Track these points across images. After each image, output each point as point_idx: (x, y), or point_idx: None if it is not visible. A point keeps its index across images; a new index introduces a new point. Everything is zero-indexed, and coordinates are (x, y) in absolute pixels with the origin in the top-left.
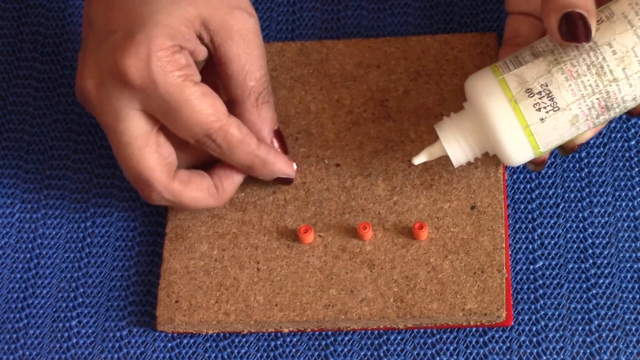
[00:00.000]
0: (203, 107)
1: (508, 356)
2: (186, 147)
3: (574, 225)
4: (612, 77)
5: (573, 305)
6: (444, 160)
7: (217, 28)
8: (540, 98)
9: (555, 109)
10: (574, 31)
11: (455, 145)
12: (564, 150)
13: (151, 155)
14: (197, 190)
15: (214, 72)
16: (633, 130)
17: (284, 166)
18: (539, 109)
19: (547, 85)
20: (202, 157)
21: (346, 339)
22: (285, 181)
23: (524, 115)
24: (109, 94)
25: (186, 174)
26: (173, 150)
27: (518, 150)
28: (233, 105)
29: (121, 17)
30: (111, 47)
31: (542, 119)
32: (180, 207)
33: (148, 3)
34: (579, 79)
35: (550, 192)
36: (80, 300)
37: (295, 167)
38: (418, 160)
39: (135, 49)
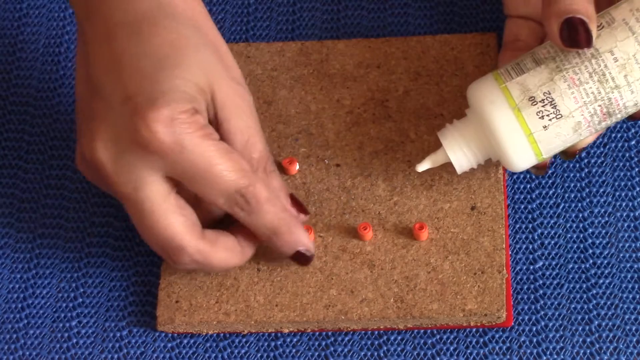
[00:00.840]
0: (230, 163)
1: (508, 356)
2: (198, 207)
3: (574, 225)
4: (614, 84)
5: (573, 305)
6: None
7: (222, 104)
8: (543, 106)
9: (558, 117)
10: (575, 37)
11: (459, 152)
12: (566, 155)
13: (178, 219)
14: (225, 250)
15: None
16: (633, 130)
17: (306, 237)
18: (542, 117)
19: (549, 93)
20: (213, 217)
21: (346, 339)
22: (304, 259)
23: (528, 124)
24: (128, 163)
25: (213, 234)
26: (193, 211)
27: (521, 157)
28: None
29: (135, 84)
30: (130, 114)
31: (545, 127)
32: (207, 268)
33: (162, 68)
34: (582, 87)
35: (550, 192)
36: (80, 300)
37: (313, 237)
38: (421, 167)
39: (158, 113)
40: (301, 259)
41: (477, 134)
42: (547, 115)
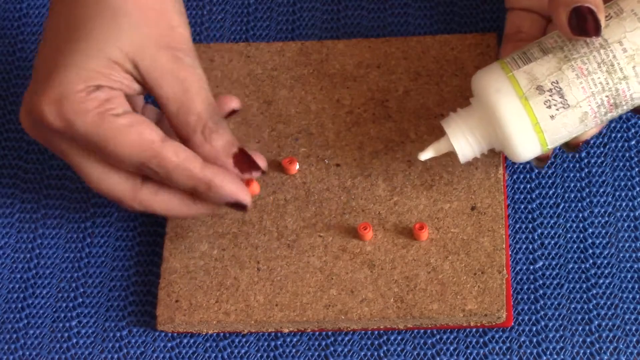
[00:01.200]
0: (129, 137)
1: (508, 356)
2: None
3: (574, 225)
4: (622, 75)
5: (573, 305)
6: (445, 160)
7: (146, 71)
8: (550, 95)
9: (565, 107)
10: (584, 25)
11: (462, 140)
12: (568, 147)
13: (108, 178)
14: (169, 200)
15: None
16: (633, 130)
17: (233, 189)
18: (550, 106)
19: (557, 83)
20: None
21: (346, 339)
22: (238, 207)
23: (535, 113)
24: (42, 133)
25: (154, 185)
26: None
27: (527, 147)
28: (185, 144)
29: (48, 56)
30: (31, 91)
31: (552, 116)
32: (156, 214)
33: (73, 41)
34: (590, 77)
35: (550, 192)
36: (80, 300)
37: (258, 189)
38: (424, 155)
39: (48, 93)
40: (233, 208)
41: (482, 123)
42: (555, 105)
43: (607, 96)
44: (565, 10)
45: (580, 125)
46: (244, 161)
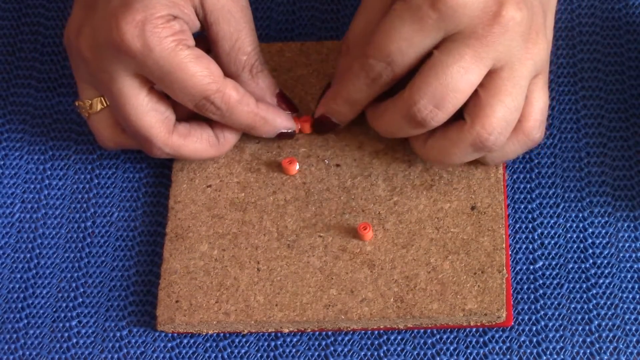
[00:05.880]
0: (198, 69)
1: (508, 356)
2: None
3: (574, 225)
4: None
5: (573, 305)
6: None
7: (211, 8)
8: None
9: None
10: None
11: None
12: None
13: (148, 114)
14: (197, 142)
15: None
16: (632, 130)
17: (284, 121)
18: None
19: None
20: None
21: (346, 339)
22: (288, 135)
23: None
24: (104, 57)
25: (185, 127)
26: (169, 105)
27: None
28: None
29: None
30: (109, 14)
31: None
32: (182, 159)
33: None
34: None
35: (550, 192)
36: (80, 300)
37: (297, 126)
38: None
39: (132, 16)
40: (283, 137)
41: None
42: None
43: None
44: None
45: None
46: (285, 100)
